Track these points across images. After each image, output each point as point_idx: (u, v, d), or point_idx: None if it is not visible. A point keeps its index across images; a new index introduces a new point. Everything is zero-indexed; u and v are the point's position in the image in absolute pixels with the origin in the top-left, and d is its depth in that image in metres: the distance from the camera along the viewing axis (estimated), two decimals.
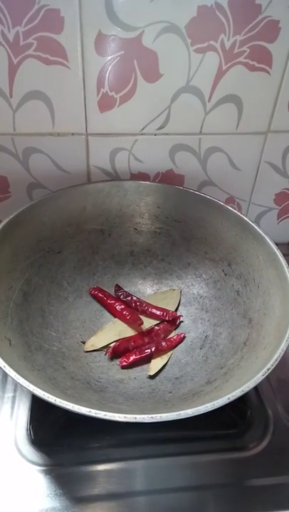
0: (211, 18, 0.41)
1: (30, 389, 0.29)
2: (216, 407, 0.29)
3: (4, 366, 0.30)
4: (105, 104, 0.45)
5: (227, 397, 0.29)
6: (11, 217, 0.42)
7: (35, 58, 0.42)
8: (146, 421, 0.28)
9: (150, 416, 0.28)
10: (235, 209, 0.45)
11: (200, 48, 0.43)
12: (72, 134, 0.47)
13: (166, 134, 0.48)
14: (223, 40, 0.42)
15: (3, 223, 0.41)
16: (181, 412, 0.28)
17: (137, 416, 0.28)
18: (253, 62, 0.44)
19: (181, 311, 0.48)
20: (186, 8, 0.40)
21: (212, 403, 0.29)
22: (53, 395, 0.29)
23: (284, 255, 0.40)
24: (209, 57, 0.43)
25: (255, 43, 0.43)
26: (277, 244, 0.42)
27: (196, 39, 0.42)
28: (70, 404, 0.28)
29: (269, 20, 0.42)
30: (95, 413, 0.28)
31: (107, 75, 0.43)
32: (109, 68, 0.43)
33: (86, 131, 0.47)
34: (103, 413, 0.28)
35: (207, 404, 0.29)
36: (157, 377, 0.41)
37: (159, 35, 0.41)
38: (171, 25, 0.41)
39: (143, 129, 0.48)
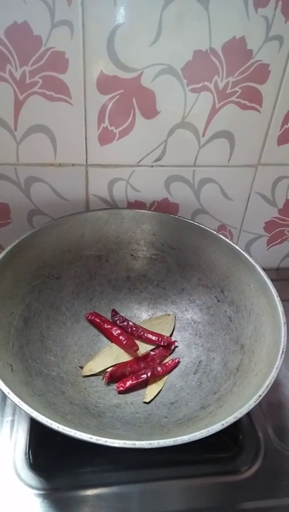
0: (205, 61, 0.44)
1: (34, 415, 0.31)
2: (210, 434, 0.30)
3: (8, 393, 0.32)
4: (105, 137, 0.48)
5: (221, 423, 0.31)
6: (13, 244, 0.43)
7: (40, 95, 0.44)
8: (144, 447, 0.29)
9: (148, 442, 0.29)
10: (227, 237, 0.48)
11: (195, 88, 0.45)
12: (73, 164, 0.49)
13: (162, 165, 0.51)
14: (216, 81, 0.45)
15: (5, 250, 0.42)
16: (178, 438, 0.30)
17: (136, 442, 0.29)
18: (244, 101, 0.47)
19: (175, 336, 0.49)
20: (183, 52, 0.43)
21: (207, 429, 0.30)
22: (55, 421, 0.30)
23: (273, 280, 0.42)
24: (204, 97, 0.46)
25: (247, 84, 0.46)
26: (266, 269, 0.44)
27: (191, 80, 0.45)
28: (72, 431, 0.30)
29: (260, 64, 0.45)
30: (96, 439, 0.29)
31: (107, 111, 0.46)
32: (110, 105, 0.45)
33: (86, 162, 0.49)
34: (104, 439, 0.29)
35: (202, 431, 0.30)
36: (153, 402, 0.43)
37: (157, 76, 0.44)
38: (168, 67, 0.44)
39: (140, 161, 0.50)
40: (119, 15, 0.40)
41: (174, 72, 0.44)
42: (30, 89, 0.43)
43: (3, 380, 0.32)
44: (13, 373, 0.36)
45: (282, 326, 0.38)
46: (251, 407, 0.32)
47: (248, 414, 0.44)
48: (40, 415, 0.30)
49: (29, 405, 0.31)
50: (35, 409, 0.31)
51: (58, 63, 0.42)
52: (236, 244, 0.46)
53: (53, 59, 0.42)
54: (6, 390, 0.32)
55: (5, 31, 0.40)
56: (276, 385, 0.48)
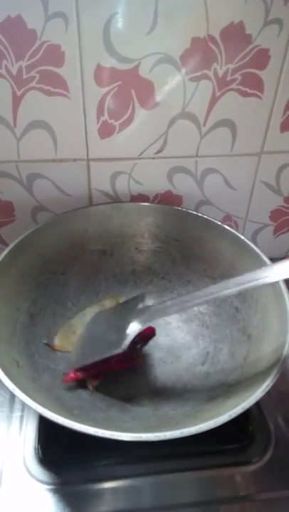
0: (203, 48, 0.43)
1: (39, 410, 0.31)
2: (217, 425, 0.30)
3: (13, 389, 0.32)
4: (105, 131, 0.47)
5: (228, 414, 0.30)
6: (16, 240, 0.43)
7: (37, 90, 0.44)
8: (151, 439, 0.29)
9: (155, 435, 0.29)
10: (232, 227, 0.47)
11: (194, 76, 0.45)
12: (74, 159, 0.49)
13: (164, 157, 0.50)
14: (216, 69, 0.44)
15: (9, 247, 0.42)
16: (184, 430, 0.30)
17: (142, 435, 0.29)
18: (245, 88, 0.46)
19: (182, 328, 0.49)
20: (180, 40, 0.42)
21: (214, 420, 0.30)
22: (61, 416, 0.30)
23: None
24: (203, 85, 0.45)
25: (247, 70, 0.45)
26: (274, 258, 0.43)
27: (190, 68, 0.44)
28: (77, 424, 0.30)
29: (259, 49, 0.44)
30: (102, 433, 0.29)
31: (106, 103, 0.45)
32: (108, 98, 0.45)
33: (87, 156, 0.49)
34: (109, 432, 0.29)
35: (209, 422, 0.30)
36: (160, 395, 0.42)
37: (154, 66, 0.44)
38: (166, 56, 0.43)
39: (142, 153, 0.50)
40: (114, 4, 0.39)
41: (172, 61, 0.43)
42: (28, 84, 0.43)
43: (8, 376, 0.32)
44: (20, 369, 0.37)
45: None
46: (259, 398, 0.32)
47: (258, 404, 0.44)
48: (45, 410, 0.30)
49: (35, 400, 0.31)
50: (41, 405, 0.31)
51: (54, 57, 0.42)
52: (242, 234, 0.46)
53: (48, 53, 0.42)
54: (11, 386, 0.32)
55: None
56: (285, 375, 0.47)
